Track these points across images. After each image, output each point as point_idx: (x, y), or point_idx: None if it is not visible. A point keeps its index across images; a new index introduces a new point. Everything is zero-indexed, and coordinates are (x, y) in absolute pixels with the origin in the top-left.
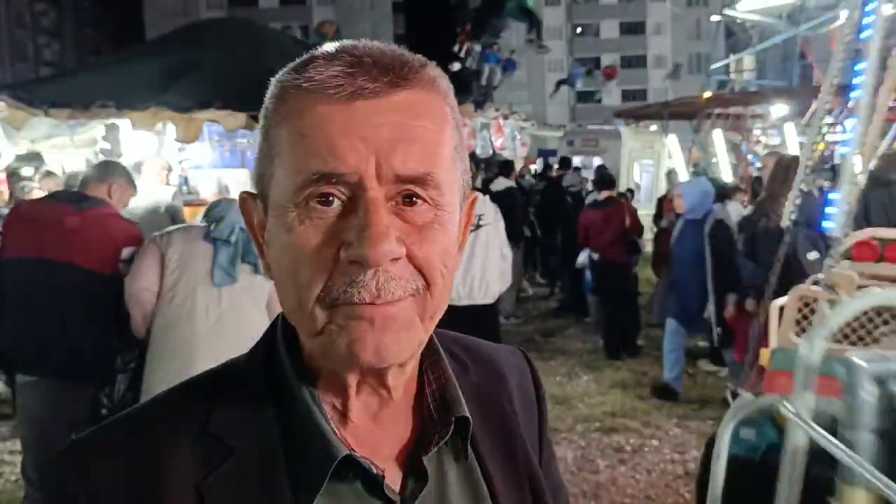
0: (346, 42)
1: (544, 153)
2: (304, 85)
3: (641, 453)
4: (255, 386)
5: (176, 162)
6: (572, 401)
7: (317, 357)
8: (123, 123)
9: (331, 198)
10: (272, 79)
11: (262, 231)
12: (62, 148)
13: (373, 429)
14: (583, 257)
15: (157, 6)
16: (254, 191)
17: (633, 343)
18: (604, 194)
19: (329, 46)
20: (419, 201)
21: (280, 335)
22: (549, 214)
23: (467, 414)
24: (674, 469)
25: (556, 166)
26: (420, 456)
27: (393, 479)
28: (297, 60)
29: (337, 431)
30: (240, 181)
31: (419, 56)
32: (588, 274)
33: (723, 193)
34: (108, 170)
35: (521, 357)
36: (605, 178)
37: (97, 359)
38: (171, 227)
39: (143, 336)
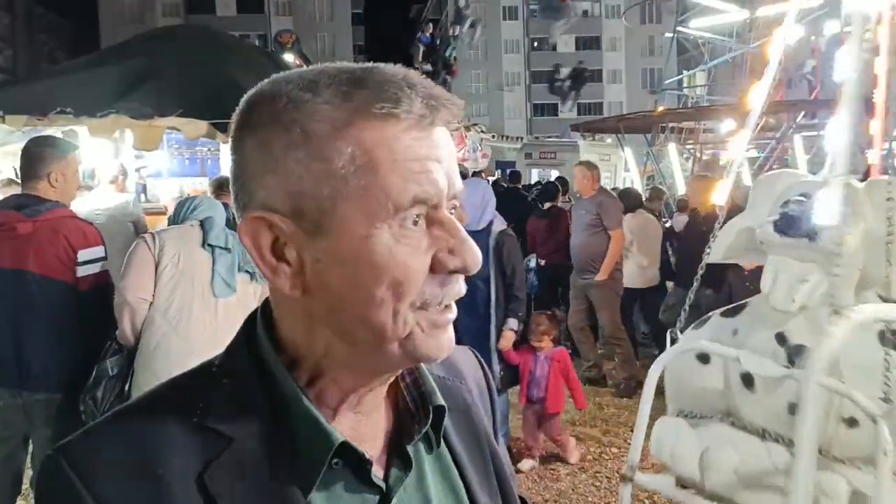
0: (396, 68)
1: (503, 165)
2: (396, 112)
3: (601, 461)
4: (244, 378)
5: (133, 170)
6: None
7: (383, 357)
8: (81, 130)
9: (419, 218)
10: (305, 95)
11: (280, 250)
12: (17, 155)
13: (358, 423)
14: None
15: (113, 13)
16: (278, 207)
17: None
18: (547, 205)
19: (398, 74)
20: (455, 214)
21: (262, 332)
22: None
23: (443, 403)
24: None
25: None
26: (400, 445)
27: (377, 469)
28: (358, 81)
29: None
30: (200, 190)
31: None
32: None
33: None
34: (39, 161)
35: (472, 355)
36: (548, 190)
37: (48, 368)
38: (163, 228)
39: (131, 344)
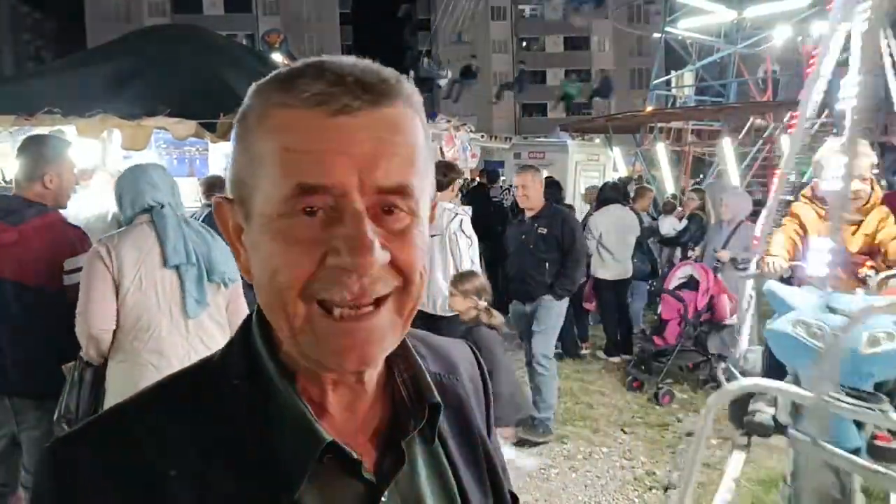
0: (327, 58)
1: (491, 165)
2: (290, 101)
3: (592, 460)
4: (237, 378)
5: (120, 170)
6: None
7: (295, 355)
8: (69, 130)
9: (315, 209)
10: (251, 88)
11: (238, 234)
12: (4, 156)
13: (348, 418)
14: None
15: (98, 13)
16: (230, 195)
17: (574, 347)
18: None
19: (311, 63)
20: (397, 210)
21: (256, 330)
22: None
23: (439, 400)
24: (623, 475)
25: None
26: (394, 439)
27: (368, 463)
28: (279, 74)
29: (316, 421)
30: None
31: (394, 71)
32: None
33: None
34: (35, 162)
35: (469, 350)
36: (553, 191)
37: (36, 373)
38: (116, 237)
39: (99, 362)
